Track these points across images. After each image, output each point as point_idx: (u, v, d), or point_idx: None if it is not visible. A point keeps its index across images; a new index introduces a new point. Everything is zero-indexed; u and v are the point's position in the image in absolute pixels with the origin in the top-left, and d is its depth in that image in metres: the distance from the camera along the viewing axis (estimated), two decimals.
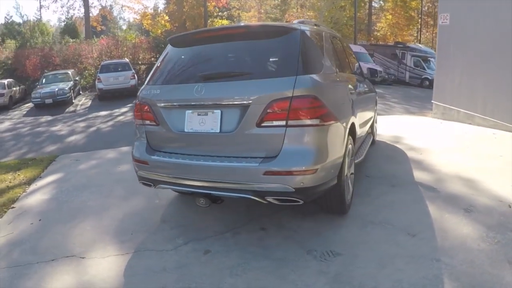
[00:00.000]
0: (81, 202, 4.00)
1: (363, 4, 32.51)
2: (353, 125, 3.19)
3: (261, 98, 2.42)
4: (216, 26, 19.31)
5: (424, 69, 19.96)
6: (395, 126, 7.46)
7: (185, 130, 2.67)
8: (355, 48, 21.09)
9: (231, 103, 2.54)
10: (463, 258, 2.36)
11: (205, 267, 2.48)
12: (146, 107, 2.88)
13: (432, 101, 8.54)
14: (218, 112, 2.56)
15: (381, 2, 36.67)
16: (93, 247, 2.91)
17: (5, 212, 3.89)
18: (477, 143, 5.52)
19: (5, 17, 30.95)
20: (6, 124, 12.56)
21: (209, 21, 25.00)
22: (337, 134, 2.70)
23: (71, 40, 26.52)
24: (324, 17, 25.28)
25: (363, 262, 2.41)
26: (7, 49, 22.78)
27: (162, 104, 2.79)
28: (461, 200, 3.28)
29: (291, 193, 2.37)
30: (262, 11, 35.83)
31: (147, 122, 2.89)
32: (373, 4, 36.46)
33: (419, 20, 34.78)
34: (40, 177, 5.24)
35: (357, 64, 4.70)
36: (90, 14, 31.22)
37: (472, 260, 2.33)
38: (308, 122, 2.40)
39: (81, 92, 19.20)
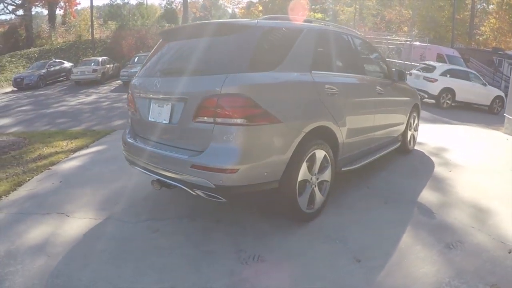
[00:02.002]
0: (100, 172, 4.69)
1: (464, 5, 29.39)
2: (326, 129, 3.06)
3: (196, 94, 2.55)
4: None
5: None
6: (450, 137, 6.80)
7: (149, 119, 2.99)
8: (447, 51, 19.36)
9: (176, 97, 2.73)
10: None
11: (143, 242, 2.78)
12: (130, 96, 3.37)
13: (505, 114, 7.65)
14: (170, 105, 2.78)
15: (484, 4, 32.69)
16: (80, 209, 3.48)
17: (42, 172, 4.78)
18: None
19: None
20: (92, 97, 14.59)
21: (300, 13, 25.25)
22: (277, 136, 2.62)
23: (167, 24, 29.09)
24: (421, 16, 23.67)
25: (279, 274, 2.37)
26: (108, 29, 26.02)
27: (137, 95, 3.17)
28: (452, 232, 2.91)
29: (212, 189, 2.47)
30: (357, 6, 34.87)
31: (131, 109, 3.38)
32: (477, 5, 32.64)
33: None
34: (87, 147, 6.19)
35: (379, 67, 4.45)
36: (189, 0, 33.65)
37: None
38: (233, 121, 2.43)
39: None
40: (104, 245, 2.81)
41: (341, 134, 3.28)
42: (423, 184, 4.04)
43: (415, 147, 5.54)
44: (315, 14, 27.35)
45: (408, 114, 4.96)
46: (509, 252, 2.63)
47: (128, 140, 3.24)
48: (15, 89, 18.37)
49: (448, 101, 12.20)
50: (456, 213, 3.28)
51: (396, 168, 4.59)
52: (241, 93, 2.45)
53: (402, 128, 4.86)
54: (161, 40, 3.39)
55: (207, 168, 2.45)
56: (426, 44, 18.76)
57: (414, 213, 3.30)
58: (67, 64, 21.39)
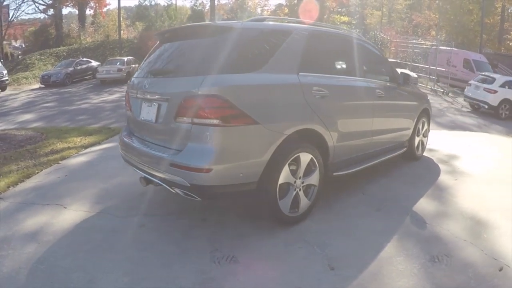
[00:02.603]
0: (104, 168, 4.89)
1: (493, 9, 28.30)
2: (313, 132, 3.06)
3: (178, 95, 2.65)
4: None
5: None
6: (466, 144, 6.58)
7: (140, 118, 3.12)
8: (474, 56, 18.77)
9: (161, 97, 2.83)
10: None
11: (127, 236, 2.90)
12: (127, 96, 3.53)
13: None
14: (156, 104, 2.89)
15: None
16: (77, 201, 3.65)
17: (51, 165, 5.04)
18: None
19: (139, 0, 36.56)
20: (115, 96, 15.11)
21: (325, 16, 25.26)
22: (254, 138, 2.66)
23: None
24: (449, 20, 23.09)
25: (247, 276, 2.40)
26: (135, 30, 26.90)
27: (132, 95, 3.31)
28: (441, 245, 2.81)
29: (188, 187, 2.55)
30: (385, 10, 34.42)
31: (128, 109, 3.54)
32: (508, 9, 31.31)
33: None
34: (99, 144, 6.46)
35: (382, 70, 4.40)
36: (217, 3, 34.20)
37: None
38: (209, 121, 2.50)
39: None
40: (90, 236, 2.96)
41: (331, 138, 3.25)
42: (422, 192, 3.96)
43: (425, 154, 5.42)
44: (341, 17, 27.16)
45: (416, 119, 4.84)
46: (500, 270, 2.49)
47: (124, 139, 3.38)
48: (43, 86, 19.29)
49: (506, 112, 12.52)
50: (450, 225, 3.18)
51: (399, 175, 4.51)
52: (218, 94, 2.52)
53: (408, 133, 4.75)
54: (158, 41, 3.53)
55: (183, 167, 2.54)
56: (452, 49, 18.24)
57: (405, 223, 3.22)
58: (94, 63, 22.25)
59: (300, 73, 3.05)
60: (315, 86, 3.13)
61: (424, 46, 20.63)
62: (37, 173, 4.72)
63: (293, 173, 2.94)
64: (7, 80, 17.83)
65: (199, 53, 2.85)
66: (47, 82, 19.04)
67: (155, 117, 2.91)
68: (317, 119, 3.09)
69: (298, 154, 2.92)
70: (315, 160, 3.09)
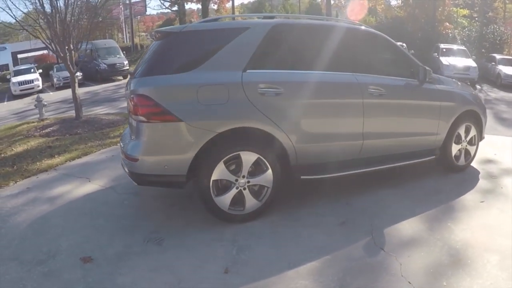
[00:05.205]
0: None
1: None
2: (259, 131, 3.13)
3: (130, 93, 3.19)
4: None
5: None
6: None
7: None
8: None
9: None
10: None
11: (110, 209, 3.64)
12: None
13: None
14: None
15: None
16: (101, 177, 4.55)
17: (109, 147, 6.20)
18: None
19: None
20: None
21: (440, 9, 23.08)
22: (177, 134, 2.97)
23: None
24: None
25: (157, 256, 2.79)
26: None
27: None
28: (371, 281, 2.56)
29: (129, 174, 3.15)
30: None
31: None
32: None
33: None
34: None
35: (391, 64, 4.08)
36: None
37: None
38: (138, 118, 2.99)
39: None
40: (86, 204, 3.83)
41: (288, 138, 3.24)
42: (418, 212, 3.47)
43: (477, 165, 4.69)
44: (460, 10, 24.30)
45: (451, 123, 4.20)
46: None
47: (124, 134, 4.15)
48: None
49: None
50: (412, 259, 2.72)
51: (411, 188, 4.04)
52: (145, 94, 3.00)
53: (435, 139, 4.16)
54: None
55: (126, 156, 3.17)
56: None
57: (356, 244, 2.94)
58: None
59: (248, 70, 3.15)
60: (264, 83, 3.18)
61: None
62: (94, 152, 5.96)
63: (234, 171, 3.13)
64: (128, 68, 21.29)
65: (149, 55, 3.35)
66: None
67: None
68: (263, 118, 3.12)
69: (237, 153, 3.08)
70: (265, 160, 3.18)
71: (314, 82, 3.44)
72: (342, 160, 3.63)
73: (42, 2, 8.27)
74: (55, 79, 20.80)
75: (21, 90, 19.15)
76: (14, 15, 8.95)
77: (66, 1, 8.35)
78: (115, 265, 2.71)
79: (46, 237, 3.18)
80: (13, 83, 19.55)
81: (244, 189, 3.19)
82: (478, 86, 17.04)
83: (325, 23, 4.03)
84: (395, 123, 3.91)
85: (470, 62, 17.20)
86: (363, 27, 4.07)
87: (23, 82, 19.46)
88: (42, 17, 8.39)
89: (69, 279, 2.57)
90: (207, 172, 3.04)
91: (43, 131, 7.83)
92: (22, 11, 11.95)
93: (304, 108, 3.37)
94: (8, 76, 23.01)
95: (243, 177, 3.16)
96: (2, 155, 6.15)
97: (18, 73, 20.90)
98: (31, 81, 19.56)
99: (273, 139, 3.21)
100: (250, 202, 3.23)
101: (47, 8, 8.39)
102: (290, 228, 3.21)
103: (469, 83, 16.62)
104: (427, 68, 4.00)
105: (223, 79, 3.12)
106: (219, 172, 3.07)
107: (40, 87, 19.92)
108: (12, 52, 37.30)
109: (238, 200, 3.21)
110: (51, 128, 8.01)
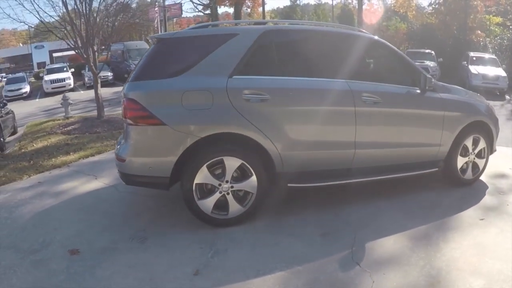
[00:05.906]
0: None
1: None
2: (242, 137, 3.20)
3: (122, 97, 3.37)
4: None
5: None
6: None
7: None
8: None
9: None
10: None
11: (107, 205, 3.88)
12: None
13: None
14: None
15: None
16: (107, 175, 4.83)
17: (92, 155, 6.17)
18: None
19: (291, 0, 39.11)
20: None
21: (471, 16, 22.43)
22: (160, 137, 3.14)
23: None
24: None
25: (134, 255, 2.95)
26: None
27: None
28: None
29: (119, 173, 3.39)
30: None
31: None
32: None
33: None
34: None
35: (390, 72, 4.05)
36: (364, 6, 33.81)
37: None
38: (127, 120, 3.20)
39: None
40: (86, 200, 4.12)
41: (273, 145, 3.27)
42: (411, 227, 3.34)
43: (486, 179, 4.45)
44: (493, 17, 23.42)
45: (456, 134, 4.02)
46: None
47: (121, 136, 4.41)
48: None
49: None
50: (386, 277, 2.63)
51: (406, 199, 3.90)
52: (132, 98, 3.20)
53: (439, 150, 4.00)
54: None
55: (116, 156, 3.42)
56: None
57: (331, 257, 2.89)
58: None
59: (233, 76, 3.25)
60: (249, 89, 3.24)
61: None
62: (108, 151, 6.30)
63: (219, 176, 3.24)
64: None
65: (143, 60, 3.54)
66: None
67: None
68: (247, 124, 3.18)
69: (221, 158, 3.16)
70: (249, 166, 3.23)
71: (302, 89, 3.47)
72: (333, 169, 3.61)
73: (67, 5, 8.73)
74: (86, 78, 21.85)
75: (52, 88, 20.36)
76: (41, 16, 9.41)
77: (100, 1, 8.78)
78: (98, 259, 2.93)
79: (44, 229, 3.46)
80: (46, 81, 20.80)
81: (228, 194, 3.28)
82: (507, 97, 16.42)
83: (318, 29, 4.07)
84: (392, 132, 3.81)
85: (500, 71, 16.62)
86: (360, 33, 4.01)
87: (55, 80, 20.65)
88: (68, 20, 8.83)
89: (55, 268, 2.81)
90: (190, 175, 3.17)
91: (65, 129, 8.34)
92: (48, 14, 12.61)
93: (291, 115, 3.39)
94: (41, 74, 24.33)
95: (227, 182, 3.23)
96: (23, 150, 6.64)
97: (50, 71, 22.26)
98: (63, 80, 20.72)
99: (257, 145, 3.26)
100: (234, 207, 3.32)
101: (74, 7, 8.75)
102: (271, 235, 3.26)
103: (498, 93, 16.23)
104: (428, 75, 3.90)
105: (208, 84, 3.22)
106: (203, 176, 3.20)
107: (72, 86, 21.03)
108: (49, 51, 39.35)
109: (222, 204, 3.31)
110: (72, 126, 8.51)
